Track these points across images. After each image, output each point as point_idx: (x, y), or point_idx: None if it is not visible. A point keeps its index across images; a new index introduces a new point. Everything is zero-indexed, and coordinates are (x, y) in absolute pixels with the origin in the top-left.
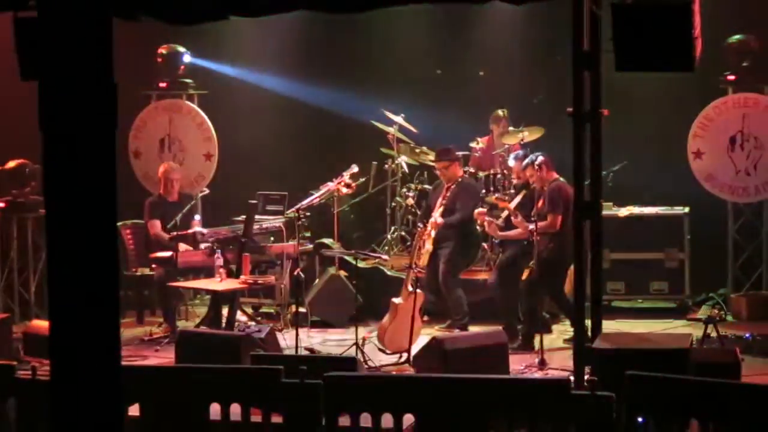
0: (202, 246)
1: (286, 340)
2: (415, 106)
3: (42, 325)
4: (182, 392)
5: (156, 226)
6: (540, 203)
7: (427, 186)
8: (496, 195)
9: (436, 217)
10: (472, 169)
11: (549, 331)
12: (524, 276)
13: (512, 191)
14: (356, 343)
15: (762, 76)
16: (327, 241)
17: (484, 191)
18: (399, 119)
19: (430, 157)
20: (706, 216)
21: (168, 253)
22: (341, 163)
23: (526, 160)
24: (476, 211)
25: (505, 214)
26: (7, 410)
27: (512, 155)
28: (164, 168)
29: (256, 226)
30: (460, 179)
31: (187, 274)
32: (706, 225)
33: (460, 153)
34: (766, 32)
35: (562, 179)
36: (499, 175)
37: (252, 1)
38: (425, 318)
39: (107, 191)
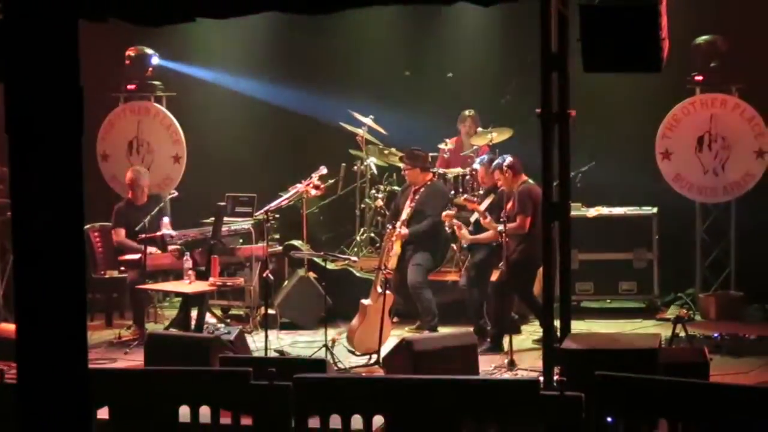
0: (171, 248)
1: (255, 342)
2: (384, 107)
3: (9, 328)
4: (151, 395)
5: (120, 234)
6: (509, 205)
7: (396, 187)
8: (465, 196)
9: (400, 228)
10: (440, 171)
11: (518, 332)
12: (493, 277)
13: (481, 192)
14: (326, 345)
15: (730, 77)
16: (296, 242)
17: (452, 192)
18: (368, 120)
19: (398, 159)
20: (675, 216)
21: (137, 256)
22: (310, 164)
23: (495, 163)
24: (444, 213)
25: (474, 215)
26: None
27: (478, 160)
28: (131, 174)
29: (224, 228)
30: (429, 182)
31: (156, 277)
32: (675, 225)
33: (428, 154)
34: (734, 33)
35: (531, 181)
36: (467, 176)
37: (218, 2)
38: (395, 319)
39: (74, 194)
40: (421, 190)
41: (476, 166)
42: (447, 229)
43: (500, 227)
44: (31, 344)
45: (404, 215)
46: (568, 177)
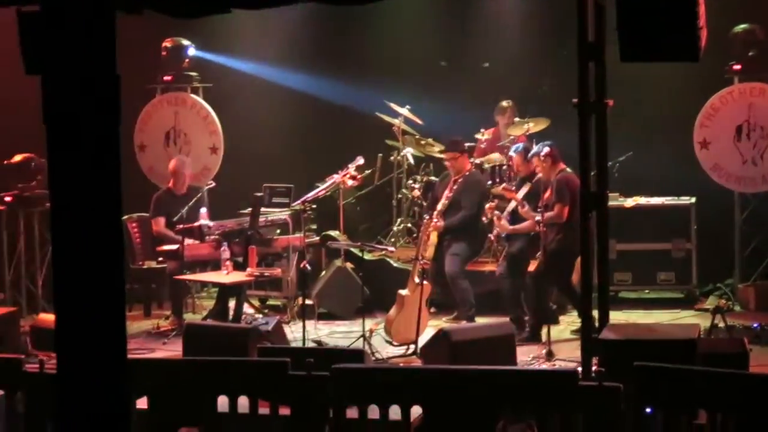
0: (209, 239)
1: (293, 332)
2: (421, 97)
3: (49, 318)
4: (190, 385)
5: (159, 223)
6: (546, 194)
7: (433, 177)
8: (503, 185)
9: (436, 219)
10: (477, 161)
11: (556, 322)
12: (531, 267)
13: (518, 183)
14: (363, 335)
15: None
16: (333, 233)
17: (489, 182)
18: (404, 111)
19: (435, 149)
20: (713, 206)
21: (175, 246)
22: (347, 155)
23: (533, 151)
24: (487, 206)
25: (512, 204)
26: (15, 404)
27: (513, 148)
28: (175, 163)
29: (262, 219)
30: (467, 172)
31: (194, 267)
32: (713, 215)
33: (466, 145)
34: None
35: (569, 170)
36: (504, 166)
37: None
38: (432, 309)
39: (112, 185)
40: (459, 180)
41: (512, 153)
42: (484, 219)
43: (538, 217)
44: (71, 334)
45: (439, 206)
46: (606, 167)
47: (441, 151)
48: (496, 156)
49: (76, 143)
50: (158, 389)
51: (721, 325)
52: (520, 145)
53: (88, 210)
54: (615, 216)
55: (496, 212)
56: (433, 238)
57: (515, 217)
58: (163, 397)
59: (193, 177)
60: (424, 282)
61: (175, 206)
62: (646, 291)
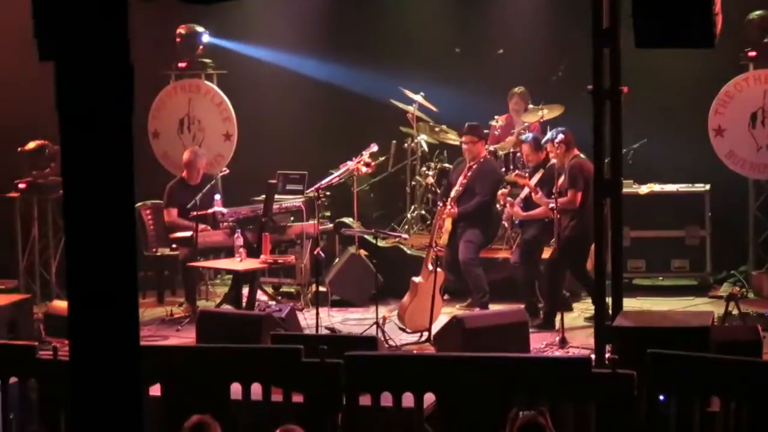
0: (222, 226)
1: (306, 319)
2: (435, 84)
3: (63, 305)
4: (203, 372)
5: (172, 214)
6: (560, 180)
7: (447, 164)
8: (516, 172)
9: (450, 206)
10: (492, 147)
11: (570, 309)
12: (545, 254)
13: (531, 170)
14: (377, 323)
15: None
16: (347, 220)
17: (503, 169)
18: (418, 98)
19: (450, 136)
20: (727, 193)
21: (188, 233)
22: (361, 141)
23: (546, 137)
24: (499, 192)
25: (525, 191)
26: (29, 390)
27: (523, 137)
28: (188, 155)
29: (276, 206)
30: (481, 159)
31: (207, 254)
32: (727, 202)
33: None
34: None
35: (582, 156)
36: (518, 153)
37: None
38: (445, 297)
39: (125, 172)
40: (474, 166)
41: (523, 142)
42: (499, 207)
43: (551, 203)
44: (83, 321)
45: (453, 193)
46: (620, 154)
47: (461, 133)
48: (509, 142)
49: (90, 130)
50: (171, 376)
51: (735, 312)
52: (530, 135)
53: (101, 197)
54: (629, 203)
55: (509, 198)
56: (447, 224)
57: (528, 204)
58: (176, 384)
59: (207, 165)
60: (438, 269)
61: (188, 196)
62: (660, 278)
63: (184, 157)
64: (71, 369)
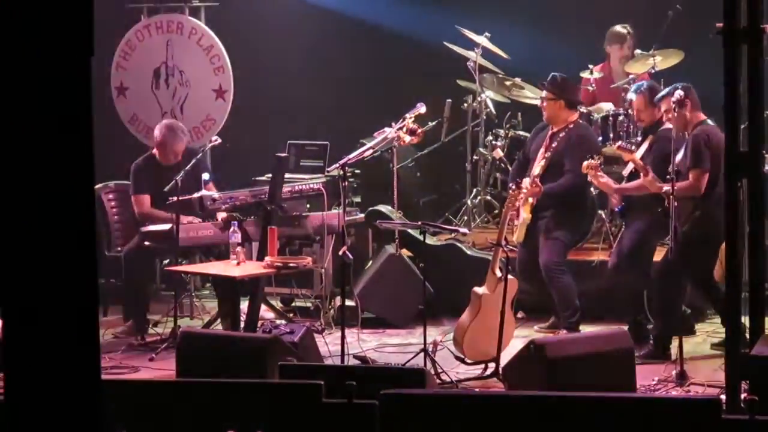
0: (219, 216)
1: (327, 344)
2: (505, 22)
3: None
4: (186, 416)
5: (143, 203)
6: (679, 156)
7: (521, 132)
8: (619, 143)
9: (535, 178)
10: (584, 109)
11: (691, 332)
12: (657, 256)
13: (639, 139)
14: (424, 349)
15: None
16: (383, 208)
17: (601, 139)
18: (482, 40)
19: (526, 93)
20: None
21: (166, 226)
22: (403, 101)
23: (661, 93)
24: (585, 163)
25: (628, 167)
26: None
27: (633, 87)
28: (163, 132)
29: (286, 189)
30: (571, 125)
31: (192, 255)
32: None
33: (579, 86)
34: None
35: (710, 122)
36: (621, 117)
37: None
38: (519, 315)
39: (80, 140)
40: (561, 135)
41: (631, 95)
42: (593, 190)
43: (666, 187)
44: (23, 348)
45: (537, 169)
46: (762, 118)
47: (542, 87)
48: (607, 106)
49: (32, 81)
50: (143, 422)
51: None
52: (644, 83)
53: (46, 176)
54: None
55: (599, 173)
56: (524, 214)
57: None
58: None
59: (191, 132)
60: (509, 276)
61: (163, 179)
62: None
63: (155, 134)
64: (6, 411)
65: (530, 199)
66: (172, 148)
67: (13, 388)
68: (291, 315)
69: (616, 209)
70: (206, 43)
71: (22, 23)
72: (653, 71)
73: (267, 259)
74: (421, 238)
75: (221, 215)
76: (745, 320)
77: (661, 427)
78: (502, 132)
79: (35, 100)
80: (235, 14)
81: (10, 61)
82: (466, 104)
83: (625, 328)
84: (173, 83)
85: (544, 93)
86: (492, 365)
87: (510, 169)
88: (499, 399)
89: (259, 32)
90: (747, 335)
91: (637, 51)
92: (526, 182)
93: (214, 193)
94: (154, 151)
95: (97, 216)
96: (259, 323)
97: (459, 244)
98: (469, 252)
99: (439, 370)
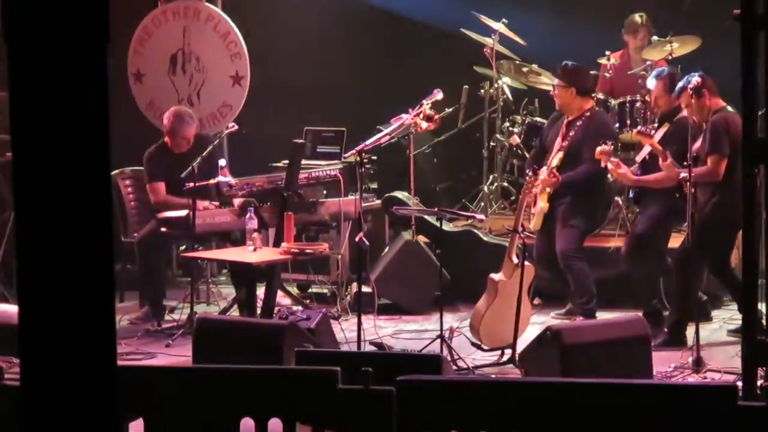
0: (236, 201)
1: (344, 331)
2: (523, 8)
3: (10, 310)
4: (202, 403)
5: (159, 190)
6: (698, 142)
7: (539, 119)
8: (638, 128)
9: (553, 167)
10: (601, 95)
11: (707, 318)
12: (674, 243)
13: (655, 125)
14: (441, 336)
15: None
16: (400, 194)
17: (617, 125)
18: (500, 26)
19: (543, 79)
20: None
21: (182, 213)
22: (420, 87)
23: (680, 83)
24: (598, 149)
25: (645, 151)
26: None
27: (653, 73)
28: (171, 118)
29: (303, 175)
30: (587, 112)
31: (209, 241)
32: None
33: (593, 74)
34: None
35: (730, 108)
36: (638, 103)
37: None
38: (536, 301)
39: (97, 126)
40: (578, 123)
41: (651, 81)
42: (609, 177)
43: (684, 173)
44: (39, 334)
45: (554, 161)
46: None
47: (555, 75)
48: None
49: (47, 69)
50: (159, 409)
51: None
52: (665, 69)
53: (64, 163)
54: None
55: (614, 159)
56: (541, 201)
57: (647, 170)
58: (165, 419)
59: (208, 118)
60: (526, 263)
61: (175, 166)
62: None
63: (164, 122)
64: (22, 397)
65: (547, 189)
66: (183, 134)
67: (29, 374)
68: (307, 301)
69: (630, 196)
70: (223, 29)
71: (37, 10)
72: (670, 58)
73: (284, 245)
74: (437, 224)
75: (237, 201)
76: (762, 307)
77: (677, 413)
78: (519, 118)
79: (51, 87)
80: (251, 0)
81: (26, 48)
82: (483, 90)
83: (642, 314)
84: (190, 69)
85: (555, 81)
86: (508, 352)
87: (527, 156)
88: (516, 385)
89: (276, 18)
90: (764, 322)
91: (654, 37)
92: (543, 171)
93: (231, 179)
94: (166, 139)
95: (113, 202)
96: (276, 309)
97: (476, 231)
98: (485, 238)
99: (456, 357)
